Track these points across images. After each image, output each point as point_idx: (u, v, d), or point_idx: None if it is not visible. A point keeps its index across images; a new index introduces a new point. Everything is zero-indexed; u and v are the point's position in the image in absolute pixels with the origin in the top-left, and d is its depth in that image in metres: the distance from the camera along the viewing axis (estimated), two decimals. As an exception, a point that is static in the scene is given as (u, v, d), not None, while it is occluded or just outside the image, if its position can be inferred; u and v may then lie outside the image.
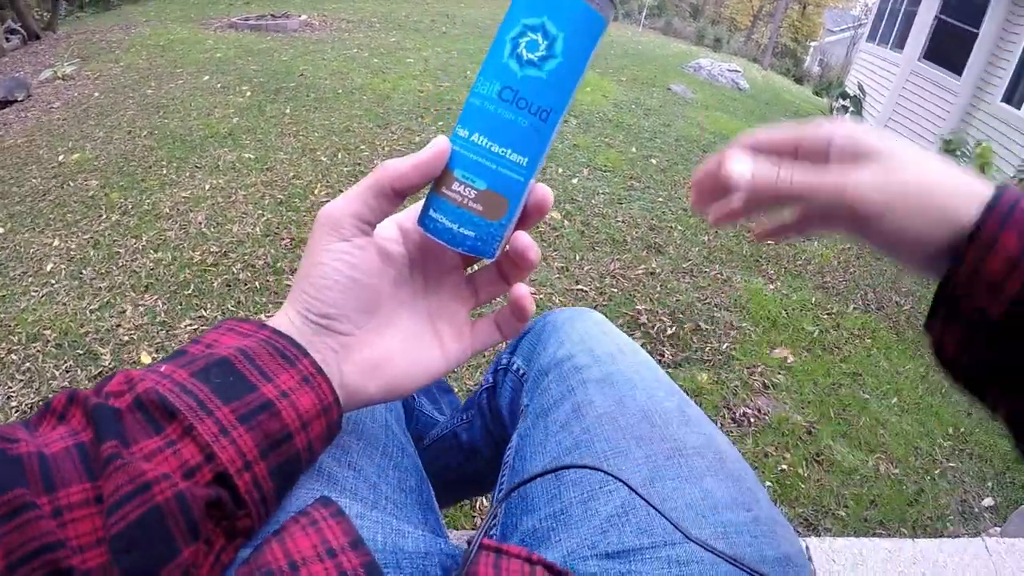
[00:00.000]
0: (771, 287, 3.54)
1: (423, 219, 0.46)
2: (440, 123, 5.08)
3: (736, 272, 3.58)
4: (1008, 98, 7.66)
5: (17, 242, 3.32)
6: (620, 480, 0.53)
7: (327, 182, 3.77)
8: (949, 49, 8.47)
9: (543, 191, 0.47)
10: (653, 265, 3.46)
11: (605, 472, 0.55)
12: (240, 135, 4.52)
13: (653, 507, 0.51)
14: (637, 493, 0.52)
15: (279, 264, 2.96)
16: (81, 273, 2.99)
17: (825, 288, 3.73)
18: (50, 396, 2.18)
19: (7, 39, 8.30)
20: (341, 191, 3.35)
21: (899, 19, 10.05)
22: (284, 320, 0.47)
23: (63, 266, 3.07)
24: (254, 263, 2.97)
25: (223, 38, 8.18)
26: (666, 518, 0.50)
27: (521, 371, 0.83)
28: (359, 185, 0.46)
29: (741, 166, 0.50)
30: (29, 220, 3.51)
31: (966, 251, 0.40)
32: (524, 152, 0.44)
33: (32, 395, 2.32)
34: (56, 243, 3.26)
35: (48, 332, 2.62)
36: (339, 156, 4.19)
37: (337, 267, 0.45)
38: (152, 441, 0.38)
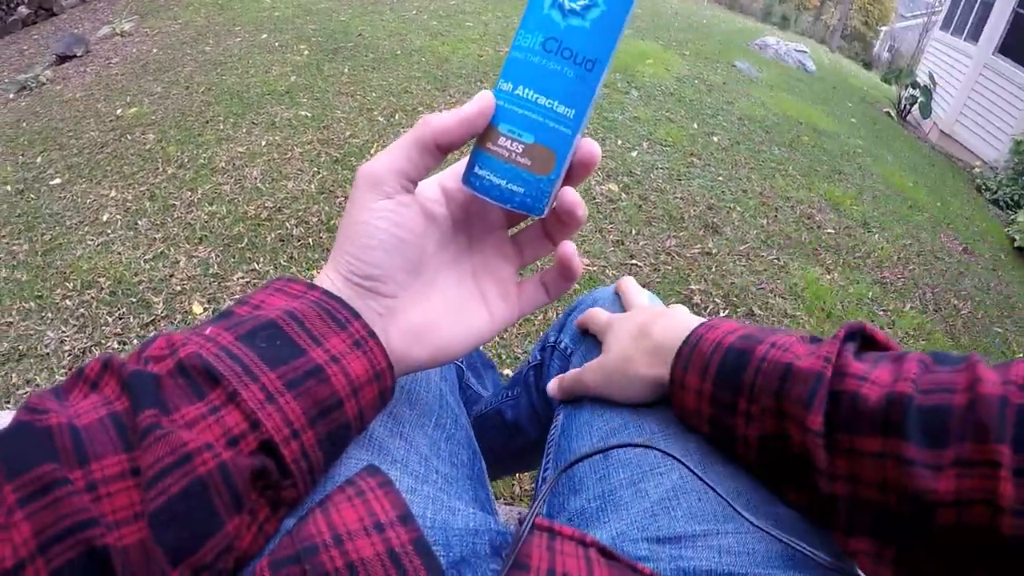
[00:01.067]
0: (828, 277, 3.38)
1: (468, 177, 0.45)
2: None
3: (794, 259, 3.43)
4: None
5: (74, 192, 3.31)
6: (675, 458, 0.52)
7: (384, 142, 3.69)
8: None
9: (590, 145, 0.45)
10: (709, 245, 3.32)
11: (661, 451, 0.54)
12: (297, 93, 4.46)
13: (710, 487, 0.50)
14: (694, 472, 0.50)
15: (333, 221, 2.89)
16: (136, 224, 2.97)
17: (883, 283, 3.57)
18: (93, 356, 2.16)
19: (68, -4, 8.36)
20: (398, 150, 3.31)
21: (975, 9, 9.58)
22: (327, 282, 0.45)
23: (119, 216, 3.05)
24: (308, 219, 2.91)
25: (281, -3, 8.15)
26: (724, 499, 0.49)
27: (569, 350, 0.82)
28: (401, 140, 0.44)
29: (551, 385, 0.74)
30: (87, 171, 3.50)
31: (672, 394, 0.57)
32: (571, 104, 0.42)
33: (85, 340, 2.31)
34: (113, 194, 3.24)
35: (102, 280, 2.60)
36: (396, 117, 4.11)
37: (381, 226, 0.43)
38: (194, 407, 0.36)
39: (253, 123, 3.95)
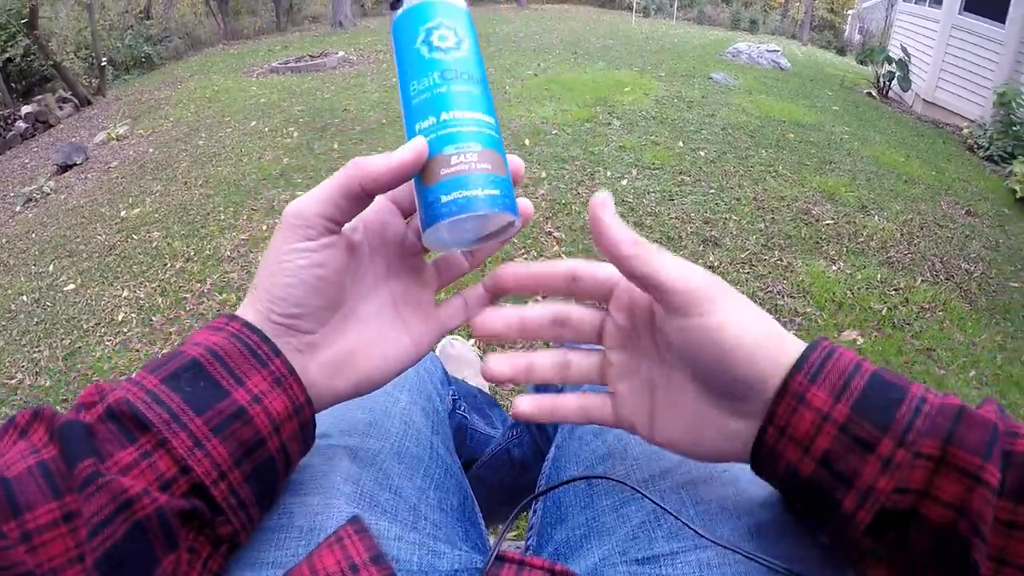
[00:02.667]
0: (834, 268, 3.40)
1: (438, 212, 0.43)
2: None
3: (796, 257, 3.47)
4: None
5: (88, 296, 3.41)
6: (644, 495, 0.55)
7: (380, 210, 3.78)
8: None
9: (516, 160, 0.49)
10: (711, 259, 3.37)
11: (631, 487, 0.57)
12: (292, 174, 4.59)
13: (679, 519, 0.51)
14: (662, 507, 0.53)
15: (342, 294, 2.97)
16: (151, 320, 3.05)
17: (890, 263, 3.57)
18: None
19: (60, 107, 8.65)
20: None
21: None
22: (248, 314, 0.45)
23: (133, 315, 3.13)
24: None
25: (266, 83, 8.39)
26: (691, 528, 0.50)
27: (561, 386, 0.82)
28: (329, 183, 0.44)
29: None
30: (98, 275, 3.61)
31: (772, 412, 0.42)
32: (489, 113, 0.46)
33: None
34: (125, 294, 3.34)
35: (123, 378, 2.66)
36: (389, 184, 4.20)
37: (302, 266, 0.44)
38: (126, 452, 0.38)
39: (253, 209, 4.06)
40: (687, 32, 15.61)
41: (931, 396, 0.39)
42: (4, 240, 4.68)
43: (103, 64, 10.00)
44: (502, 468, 1.05)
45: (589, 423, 0.52)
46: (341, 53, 9.96)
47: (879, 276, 3.39)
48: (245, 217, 3.96)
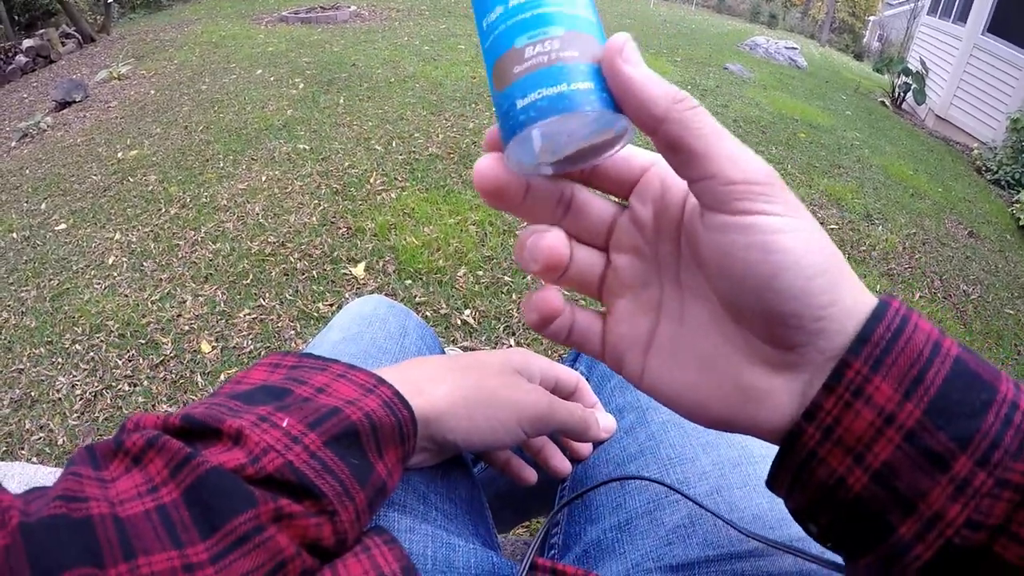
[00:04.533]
0: None
1: (512, 126, 0.33)
2: (492, 110, 5.01)
3: None
4: None
5: (79, 237, 3.35)
6: (685, 495, 0.53)
7: (382, 171, 3.73)
8: (1014, 21, 7.97)
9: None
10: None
11: (668, 486, 0.55)
12: (295, 127, 4.51)
13: (722, 519, 0.50)
14: (705, 507, 0.51)
15: (336, 253, 2.92)
16: (142, 265, 3.00)
17: (890, 275, 3.57)
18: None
19: (63, 43, 8.50)
20: (396, 179, 3.29)
21: None
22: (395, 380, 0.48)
23: (124, 259, 3.08)
24: (311, 252, 2.94)
25: (274, 32, 8.26)
26: (736, 528, 0.48)
27: (584, 377, 0.80)
28: (542, 404, 0.52)
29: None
30: (91, 215, 3.55)
31: (822, 399, 0.31)
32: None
33: (96, 383, 2.35)
34: (117, 237, 3.28)
35: (111, 323, 2.63)
36: (393, 144, 4.15)
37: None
38: (296, 507, 0.38)
39: (252, 159, 4.00)
40: (705, 20, 15.47)
41: (1023, 400, 0.30)
42: (-3, 175, 4.59)
43: (109, 1, 9.83)
44: None
45: (567, 342, 0.40)
46: (353, 7, 9.84)
47: (879, 287, 3.39)
48: (244, 166, 3.90)
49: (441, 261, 2.89)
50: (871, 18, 32.05)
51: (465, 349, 2.31)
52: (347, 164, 3.85)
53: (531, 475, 0.61)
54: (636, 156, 0.38)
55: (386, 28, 8.47)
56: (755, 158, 0.31)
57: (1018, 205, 5.33)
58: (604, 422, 0.59)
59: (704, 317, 0.35)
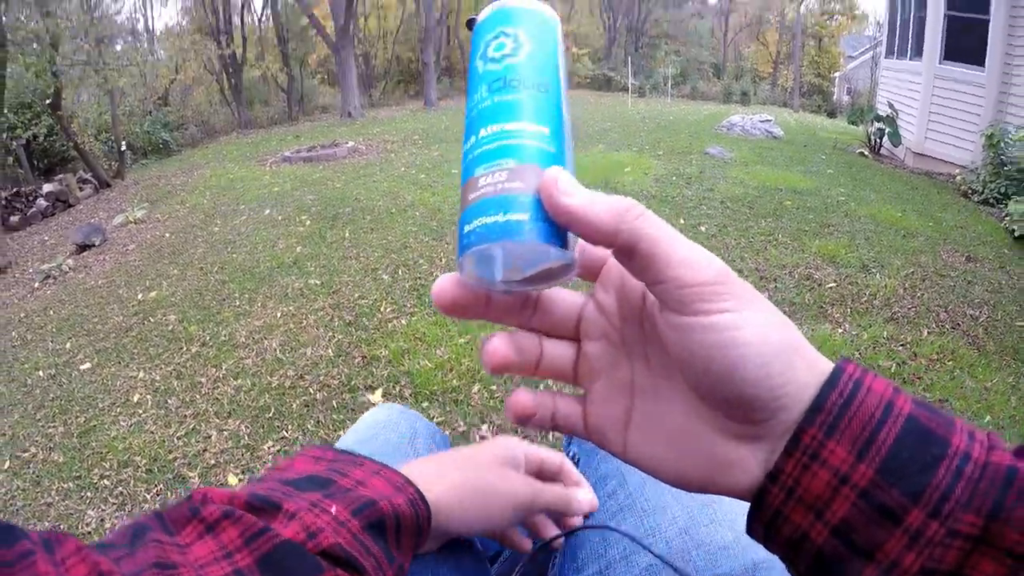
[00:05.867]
0: (840, 331, 3.47)
1: (460, 246, 0.37)
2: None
3: (802, 323, 3.55)
4: None
5: (104, 375, 3.51)
6: (647, 548, 0.61)
7: (391, 299, 3.92)
8: (966, 43, 8.32)
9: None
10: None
11: (634, 539, 0.63)
12: (305, 262, 4.75)
13: (674, 568, 0.58)
14: (663, 560, 0.59)
15: (353, 382, 3.06)
16: (166, 402, 3.14)
17: (895, 319, 3.63)
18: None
19: (80, 188, 8.93)
20: (405, 306, 3.46)
21: (911, 27, 9.96)
22: (431, 476, 0.59)
23: (149, 396, 3.22)
24: (329, 383, 3.08)
25: (279, 172, 8.68)
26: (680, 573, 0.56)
27: (576, 456, 0.88)
28: (529, 492, 0.64)
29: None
30: (115, 355, 3.72)
31: (778, 467, 0.34)
32: (541, 121, 0.38)
33: (125, 517, 2.42)
34: (141, 375, 3.44)
35: (138, 458, 2.74)
36: (400, 273, 4.36)
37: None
38: None
39: (267, 296, 4.20)
40: (682, 109, 16.07)
41: (976, 449, 0.32)
42: (23, 315, 4.81)
43: (123, 148, 10.36)
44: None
45: (554, 428, 0.43)
46: (351, 143, 10.33)
47: (885, 333, 3.45)
48: (260, 304, 4.10)
49: (455, 380, 3.01)
50: (836, 74, 33.11)
51: None
52: (357, 295, 4.05)
53: (527, 544, 0.70)
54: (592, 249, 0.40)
55: (383, 160, 8.89)
56: (707, 257, 0.34)
57: (1010, 217, 5.38)
58: (586, 498, 0.69)
59: (674, 394, 0.39)
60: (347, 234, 5.35)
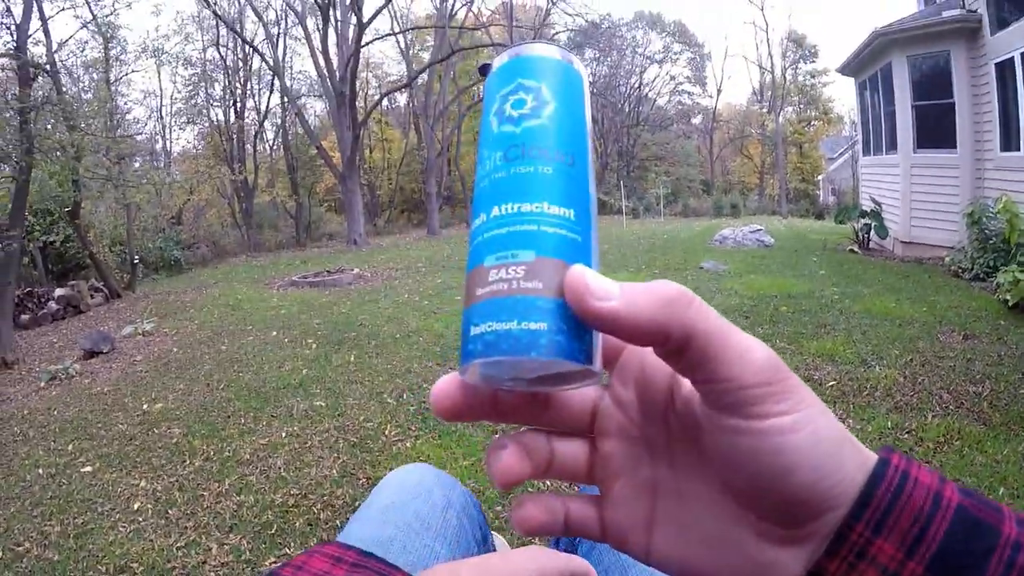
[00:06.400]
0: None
1: (464, 351, 0.33)
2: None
3: None
4: (1006, 145, 7.76)
5: (105, 481, 3.51)
6: None
7: (396, 422, 3.97)
8: (936, 128, 8.77)
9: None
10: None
11: None
12: (310, 384, 4.83)
13: None
14: None
15: (358, 503, 3.07)
16: (167, 513, 3.14)
17: (898, 408, 3.64)
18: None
19: (91, 295, 9.11)
20: (410, 429, 3.53)
21: (883, 123, 10.43)
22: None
23: (149, 505, 3.22)
24: (333, 503, 3.10)
25: (286, 296, 8.88)
26: None
27: (577, 540, 0.88)
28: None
29: None
30: (117, 462, 3.73)
31: (827, 562, 0.32)
32: (565, 203, 0.34)
33: None
34: (143, 484, 3.44)
35: (135, 565, 2.72)
36: (404, 396, 4.44)
37: None
38: None
39: (272, 416, 4.26)
40: (675, 227, 16.51)
41: None
42: (26, 411, 4.84)
43: (135, 261, 10.63)
44: None
45: (567, 534, 0.40)
46: (356, 270, 10.63)
47: (889, 423, 3.46)
48: (265, 423, 4.15)
49: (462, 503, 3.02)
50: (820, 177, 34.09)
51: None
52: (362, 418, 4.10)
53: None
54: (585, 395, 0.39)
55: (387, 287, 9.13)
56: (763, 353, 0.32)
57: (1001, 288, 5.46)
58: None
59: (704, 495, 0.36)
60: (352, 358, 5.45)
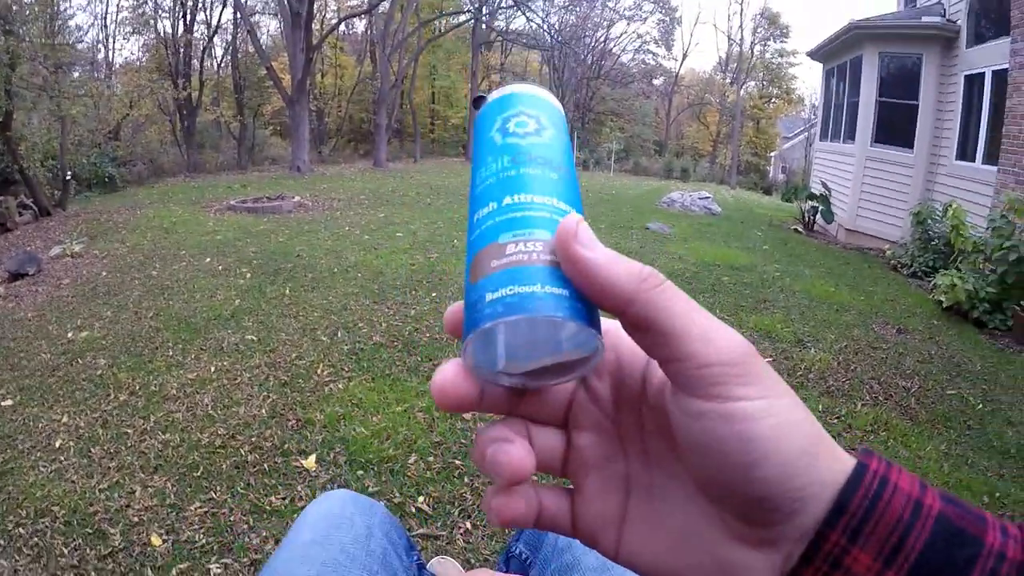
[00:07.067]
0: None
1: (476, 318, 0.32)
2: (433, 294, 5.37)
3: None
4: (962, 154, 8.09)
5: (26, 416, 3.42)
6: None
7: (329, 361, 3.94)
8: (896, 126, 9.06)
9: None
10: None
11: None
12: (242, 317, 4.74)
13: None
14: None
15: (287, 445, 3.06)
16: (90, 451, 3.08)
17: (830, 393, 3.77)
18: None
19: (20, 213, 8.71)
20: (343, 370, 3.50)
21: (844, 112, 10.71)
22: None
23: (72, 443, 3.15)
24: (262, 445, 3.07)
25: (222, 220, 8.65)
26: None
27: (525, 557, 0.89)
28: None
29: None
30: (39, 395, 3.63)
31: (801, 569, 0.31)
32: (568, 202, 0.36)
33: (40, 570, 2.33)
34: (65, 420, 3.36)
35: (56, 508, 2.67)
36: (339, 335, 4.40)
37: None
38: None
39: (201, 349, 4.18)
40: (624, 184, 16.62)
41: (1011, 547, 0.29)
42: (-58, 341, 4.63)
43: (67, 178, 10.17)
44: None
45: (537, 526, 0.38)
46: (297, 198, 10.38)
47: (820, 407, 3.59)
48: (193, 356, 4.07)
49: (391, 450, 3.01)
50: (772, 154, 34.90)
51: (422, 537, 2.43)
52: (294, 355, 4.06)
53: None
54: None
55: (328, 218, 8.96)
56: (729, 334, 0.31)
57: (938, 289, 5.71)
58: None
59: (676, 491, 0.35)
60: (287, 291, 5.37)
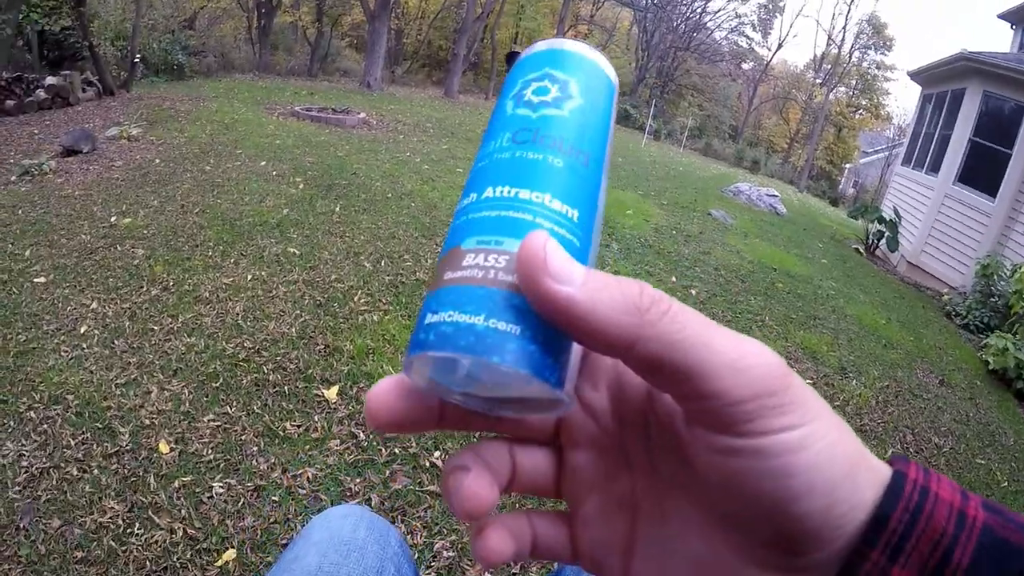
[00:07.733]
0: None
1: (412, 341, 0.27)
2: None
3: None
4: None
5: (56, 296, 3.35)
6: None
7: (368, 290, 3.80)
8: (983, 171, 8.59)
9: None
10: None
11: None
12: (288, 228, 4.61)
13: None
14: None
15: (311, 371, 2.94)
16: (113, 343, 3.00)
17: (863, 431, 3.62)
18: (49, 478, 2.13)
19: (83, 89, 8.67)
20: (380, 302, 3.34)
21: (933, 143, 10.23)
22: None
23: (96, 331, 3.08)
24: (286, 365, 2.96)
25: (284, 125, 8.53)
26: None
27: None
28: None
29: None
30: (72, 276, 3.56)
31: None
32: (571, 201, 0.29)
33: (44, 459, 2.27)
34: (94, 306, 3.29)
35: (71, 397, 2.59)
36: (382, 263, 4.25)
37: None
38: None
39: (242, 254, 4.07)
40: (692, 162, 16.29)
41: None
42: (-10, 207, 4.60)
43: (136, 60, 10.10)
44: None
45: (535, 557, 0.34)
46: (362, 114, 10.22)
47: None
48: (232, 260, 3.96)
49: (413, 397, 2.89)
50: (847, 165, 34.06)
51: (433, 494, 2.30)
52: (334, 277, 3.93)
53: None
54: None
55: (390, 140, 8.81)
56: (760, 357, 0.26)
57: (987, 350, 5.47)
58: None
59: (691, 514, 0.31)
60: (338, 208, 5.23)
